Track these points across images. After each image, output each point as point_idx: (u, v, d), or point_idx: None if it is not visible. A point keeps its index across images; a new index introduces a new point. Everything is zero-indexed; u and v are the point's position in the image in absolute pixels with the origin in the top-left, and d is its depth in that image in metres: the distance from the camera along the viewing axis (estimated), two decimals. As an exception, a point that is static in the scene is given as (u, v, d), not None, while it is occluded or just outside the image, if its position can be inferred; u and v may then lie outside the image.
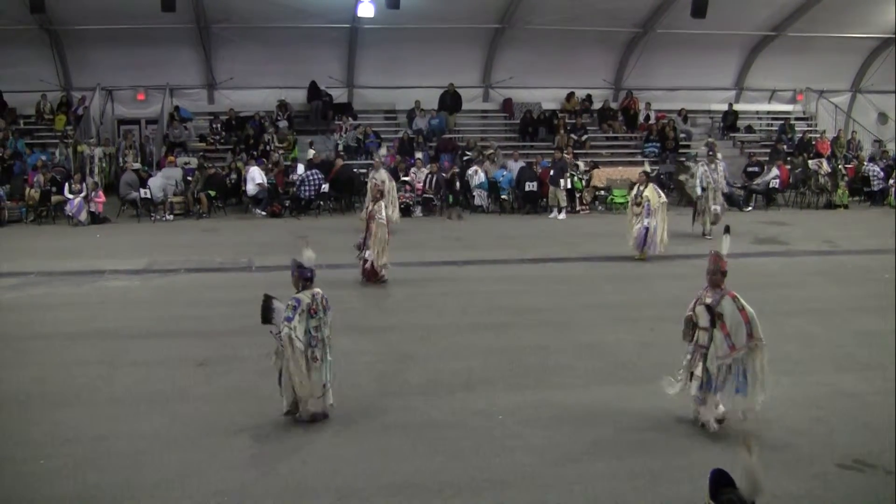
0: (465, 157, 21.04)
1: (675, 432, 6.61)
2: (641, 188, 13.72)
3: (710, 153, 16.18)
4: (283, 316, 6.55)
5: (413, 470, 5.99)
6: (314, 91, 22.88)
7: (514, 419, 6.88)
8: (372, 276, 11.82)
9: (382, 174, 15.28)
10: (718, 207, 15.75)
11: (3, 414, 7.03)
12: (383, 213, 11.83)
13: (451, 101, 23.41)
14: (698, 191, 15.82)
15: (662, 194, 13.99)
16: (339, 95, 23.52)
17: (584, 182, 19.92)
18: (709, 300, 6.48)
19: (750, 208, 20.37)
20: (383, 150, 20.69)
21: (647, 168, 15.02)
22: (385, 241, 11.72)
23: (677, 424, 6.74)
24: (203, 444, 6.42)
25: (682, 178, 18.45)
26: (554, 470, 5.98)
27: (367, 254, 11.74)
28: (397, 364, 8.36)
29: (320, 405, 6.72)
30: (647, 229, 13.47)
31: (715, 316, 6.39)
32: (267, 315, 6.73)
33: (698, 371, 6.50)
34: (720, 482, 3.62)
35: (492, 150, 21.05)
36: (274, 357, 6.76)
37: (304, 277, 6.66)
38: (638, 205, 13.60)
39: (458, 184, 19.64)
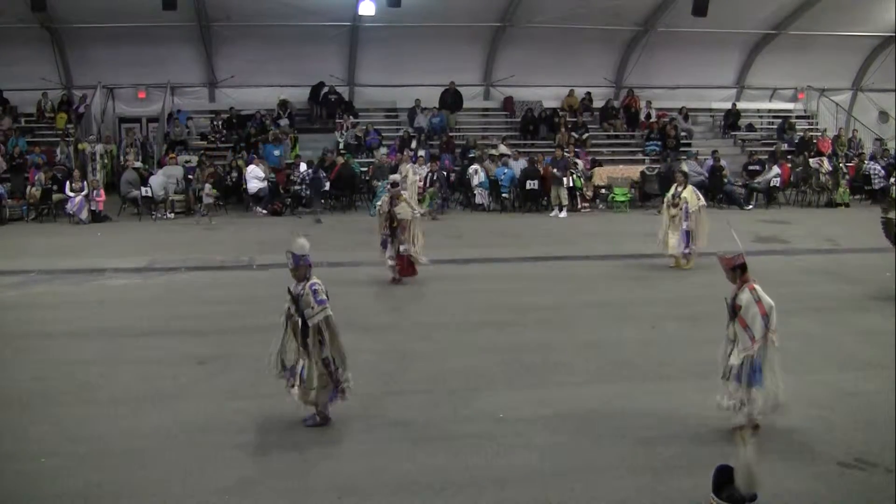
0: (470, 156, 20.98)
1: (676, 430, 6.60)
2: (679, 189, 12.93)
3: None
4: (314, 301, 6.44)
5: (414, 468, 5.99)
6: (320, 91, 22.86)
7: (515, 417, 6.87)
8: (408, 271, 11.78)
9: (396, 171, 15.26)
10: None
11: (5, 412, 7.02)
12: (412, 209, 11.91)
13: (451, 99, 23.41)
14: None
15: (701, 197, 13.17)
16: (339, 94, 23.50)
17: (583, 180, 19.90)
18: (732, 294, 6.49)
19: (751, 207, 20.37)
20: (383, 150, 20.70)
21: (685, 168, 14.45)
22: (419, 234, 11.84)
23: (679, 422, 6.73)
24: (203, 442, 6.41)
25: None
26: (555, 468, 5.97)
27: (403, 248, 11.65)
28: (398, 362, 8.35)
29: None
30: (687, 233, 12.66)
31: (735, 308, 6.40)
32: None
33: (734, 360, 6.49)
34: (724, 478, 3.63)
35: (493, 152, 20.99)
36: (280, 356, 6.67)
37: (308, 264, 6.64)
38: (675, 206, 12.78)
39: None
